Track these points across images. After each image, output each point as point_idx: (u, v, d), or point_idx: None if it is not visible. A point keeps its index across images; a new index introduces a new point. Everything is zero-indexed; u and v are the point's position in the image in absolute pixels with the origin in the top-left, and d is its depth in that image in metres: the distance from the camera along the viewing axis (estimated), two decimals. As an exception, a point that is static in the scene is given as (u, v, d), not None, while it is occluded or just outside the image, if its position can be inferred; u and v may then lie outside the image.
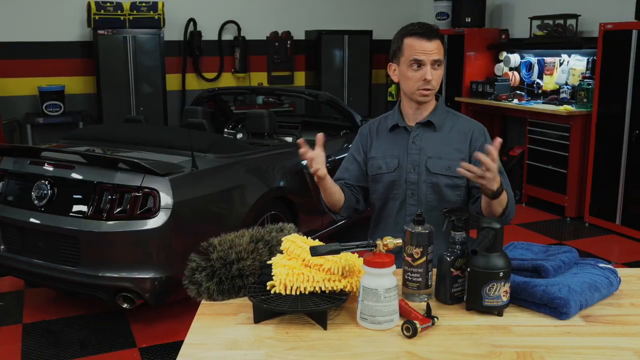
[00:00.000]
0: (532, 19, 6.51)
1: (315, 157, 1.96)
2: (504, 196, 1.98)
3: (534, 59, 6.71)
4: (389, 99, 8.23)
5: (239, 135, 5.15)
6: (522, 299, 1.65)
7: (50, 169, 3.57)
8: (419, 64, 2.10)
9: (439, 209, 2.06)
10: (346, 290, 1.63)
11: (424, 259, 1.67)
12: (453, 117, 2.25)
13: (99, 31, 6.53)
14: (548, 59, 6.52)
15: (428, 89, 2.13)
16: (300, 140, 2.00)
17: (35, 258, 3.51)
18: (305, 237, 1.72)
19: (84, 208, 3.39)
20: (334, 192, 2.16)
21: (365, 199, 2.33)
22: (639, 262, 4.73)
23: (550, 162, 5.98)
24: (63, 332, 3.54)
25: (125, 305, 3.37)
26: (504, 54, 7.01)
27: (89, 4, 6.50)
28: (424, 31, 2.09)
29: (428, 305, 1.58)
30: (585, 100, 5.80)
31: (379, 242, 1.57)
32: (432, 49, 2.08)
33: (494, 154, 1.81)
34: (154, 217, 3.27)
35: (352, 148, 2.36)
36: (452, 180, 2.16)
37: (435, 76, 2.11)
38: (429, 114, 2.21)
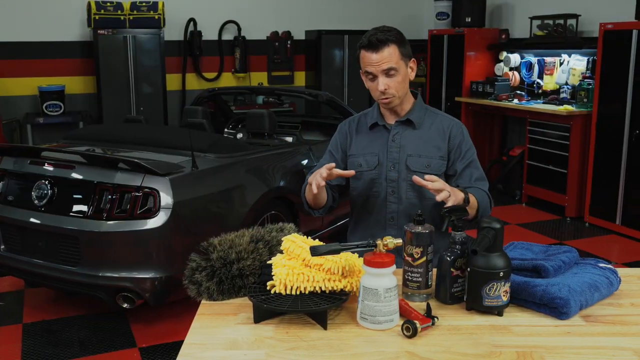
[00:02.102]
0: (532, 18, 6.50)
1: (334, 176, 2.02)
2: (472, 202, 2.05)
3: (534, 59, 6.71)
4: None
5: (239, 135, 5.15)
6: (522, 299, 1.65)
7: (51, 168, 3.57)
8: (372, 75, 2.13)
9: (419, 206, 2.15)
10: (346, 290, 1.63)
11: (424, 259, 1.67)
12: (432, 115, 2.27)
13: (99, 31, 6.53)
14: (548, 59, 6.52)
15: (387, 97, 2.15)
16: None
17: (35, 258, 3.50)
18: (305, 237, 1.72)
19: (84, 208, 3.39)
20: (323, 197, 2.20)
21: (340, 195, 2.36)
22: (639, 262, 4.73)
23: (551, 162, 5.97)
24: (63, 332, 3.54)
25: (125, 305, 3.37)
26: (504, 53, 7.01)
27: (89, 4, 6.50)
28: (369, 43, 2.10)
29: (428, 305, 1.58)
30: (585, 100, 5.81)
31: (379, 242, 1.57)
32: (379, 60, 2.09)
33: (423, 183, 1.89)
34: (154, 217, 3.27)
35: (331, 145, 2.38)
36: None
37: (392, 84, 2.12)
38: (408, 112, 2.23)
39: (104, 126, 5.80)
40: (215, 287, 1.70)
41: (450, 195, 1.88)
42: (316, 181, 2.00)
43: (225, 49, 7.62)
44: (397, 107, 2.22)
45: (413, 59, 2.19)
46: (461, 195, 1.96)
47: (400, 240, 1.60)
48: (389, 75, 2.11)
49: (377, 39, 2.08)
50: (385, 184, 2.23)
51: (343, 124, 2.38)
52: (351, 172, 2.06)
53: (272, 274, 1.62)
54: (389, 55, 2.09)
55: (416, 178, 1.92)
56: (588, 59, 6.04)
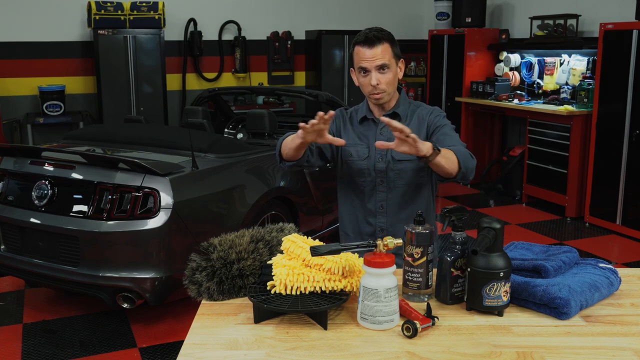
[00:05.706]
0: (532, 19, 6.51)
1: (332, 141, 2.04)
2: (447, 153, 2.02)
3: (534, 59, 6.71)
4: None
5: (239, 135, 5.15)
6: (522, 299, 1.65)
7: (51, 168, 3.57)
8: (365, 70, 2.23)
9: (407, 191, 2.29)
10: (346, 290, 1.63)
11: (424, 259, 1.67)
12: (414, 107, 2.39)
13: (99, 31, 6.53)
14: (548, 59, 6.52)
15: (378, 93, 2.25)
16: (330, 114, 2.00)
17: (35, 258, 3.51)
18: (305, 237, 1.72)
19: (84, 208, 3.39)
20: (302, 150, 2.20)
21: (313, 161, 2.34)
22: (639, 262, 4.73)
23: (551, 162, 5.98)
24: (63, 332, 3.54)
25: (125, 305, 3.37)
26: (505, 54, 7.01)
27: (89, 4, 6.50)
28: (365, 39, 2.21)
29: (428, 305, 1.58)
30: (585, 100, 5.80)
31: (379, 242, 1.57)
32: (373, 56, 2.20)
33: (390, 122, 1.86)
34: (154, 217, 3.27)
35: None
36: (416, 164, 2.28)
37: (384, 80, 2.23)
38: (394, 107, 2.34)
39: (104, 126, 5.80)
40: (216, 287, 1.70)
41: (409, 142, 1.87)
42: (312, 122, 1.97)
43: (226, 49, 7.62)
44: (385, 103, 2.32)
45: (402, 59, 2.32)
46: (425, 150, 1.92)
47: (400, 240, 1.60)
48: (382, 71, 2.22)
49: (374, 35, 2.21)
50: (374, 174, 2.32)
51: (340, 110, 2.43)
52: (342, 141, 2.06)
53: (272, 274, 1.61)
54: (383, 51, 2.20)
55: (384, 119, 1.92)
56: (588, 59, 6.04)
